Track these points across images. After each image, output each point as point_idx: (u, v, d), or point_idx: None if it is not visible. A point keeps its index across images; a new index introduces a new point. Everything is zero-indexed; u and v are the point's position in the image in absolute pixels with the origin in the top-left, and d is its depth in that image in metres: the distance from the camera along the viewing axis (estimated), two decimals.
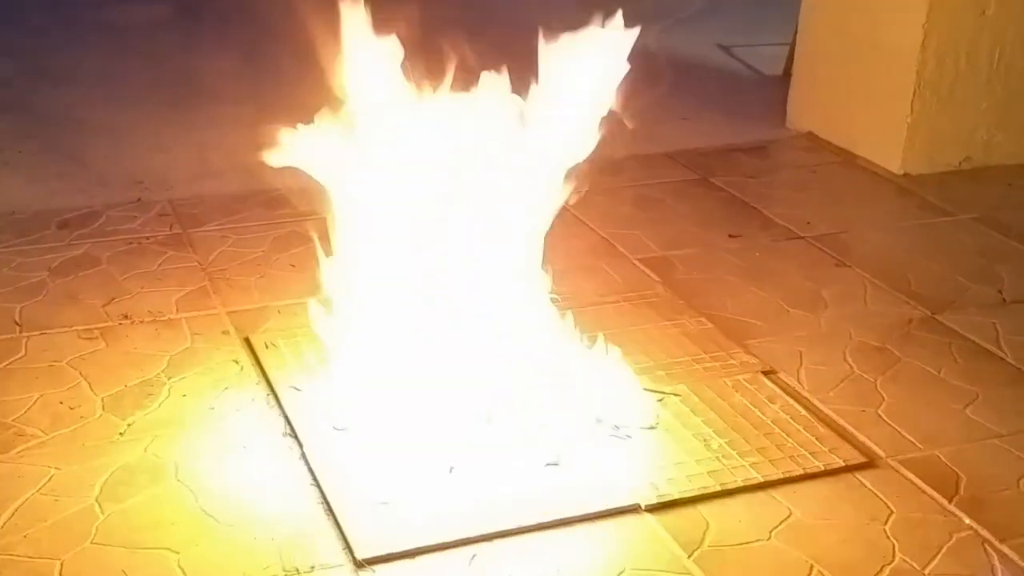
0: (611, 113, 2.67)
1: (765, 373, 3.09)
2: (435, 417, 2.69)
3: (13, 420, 2.82)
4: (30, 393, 2.94)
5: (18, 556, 2.38)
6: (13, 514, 2.49)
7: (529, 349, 2.77)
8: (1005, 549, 2.47)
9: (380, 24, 2.69)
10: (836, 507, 2.60)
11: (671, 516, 2.54)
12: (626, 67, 2.66)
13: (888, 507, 2.59)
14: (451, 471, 2.60)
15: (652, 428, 2.81)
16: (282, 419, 2.84)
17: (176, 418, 2.85)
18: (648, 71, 2.80)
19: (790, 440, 2.80)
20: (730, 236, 4.00)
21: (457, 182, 2.69)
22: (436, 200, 2.70)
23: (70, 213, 4.03)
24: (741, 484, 2.64)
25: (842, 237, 4.01)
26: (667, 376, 3.05)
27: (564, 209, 2.80)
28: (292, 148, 2.69)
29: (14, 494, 2.55)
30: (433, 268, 2.74)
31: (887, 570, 2.40)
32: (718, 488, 2.62)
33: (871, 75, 4.64)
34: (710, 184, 4.48)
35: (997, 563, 2.43)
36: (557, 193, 2.75)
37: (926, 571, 2.39)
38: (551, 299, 2.87)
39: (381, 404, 2.73)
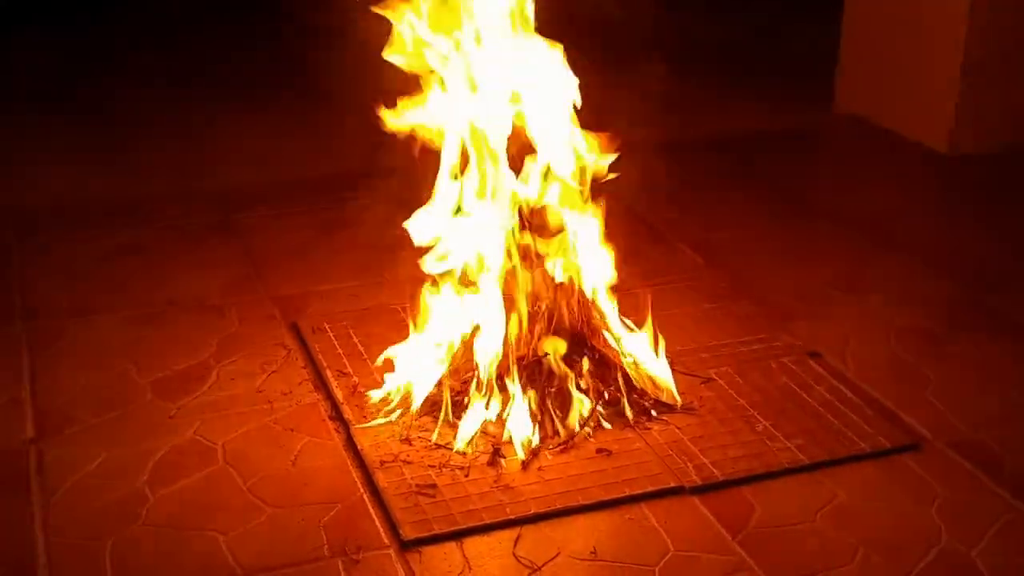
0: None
1: (810, 355, 3.07)
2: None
3: (62, 404, 2.86)
4: (78, 378, 2.97)
5: (68, 537, 2.41)
6: (63, 496, 2.53)
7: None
8: None
9: None
10: (883, 489, 2.58)
11: (716, 498, 2.54)
12: None
13: (935, 489, 2.57)
14: None
15: (694, 410, 2.81)
16: (328, 402, 2.86)
17: (224, 402, 2.87)
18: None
19: (836, 422, 2.79)
20: (775, 219, 3.98)
21: None
22: None
23: (116, 202, 4.07)
24: (787, 466, 2.63)
25: (888, 219, 3.97)
26: (712, 358, 3.05)
27: (609, 193, 2.80)
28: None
29: (64, 477, 2.59)
30: None
31: (934, 552, 2.38)
32: (763, 470, 2.62)
33: (918, 57, 4.59)
34: (755, 168, 4.46)
35: None
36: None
37: (973, 553, 2.38)
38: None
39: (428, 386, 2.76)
